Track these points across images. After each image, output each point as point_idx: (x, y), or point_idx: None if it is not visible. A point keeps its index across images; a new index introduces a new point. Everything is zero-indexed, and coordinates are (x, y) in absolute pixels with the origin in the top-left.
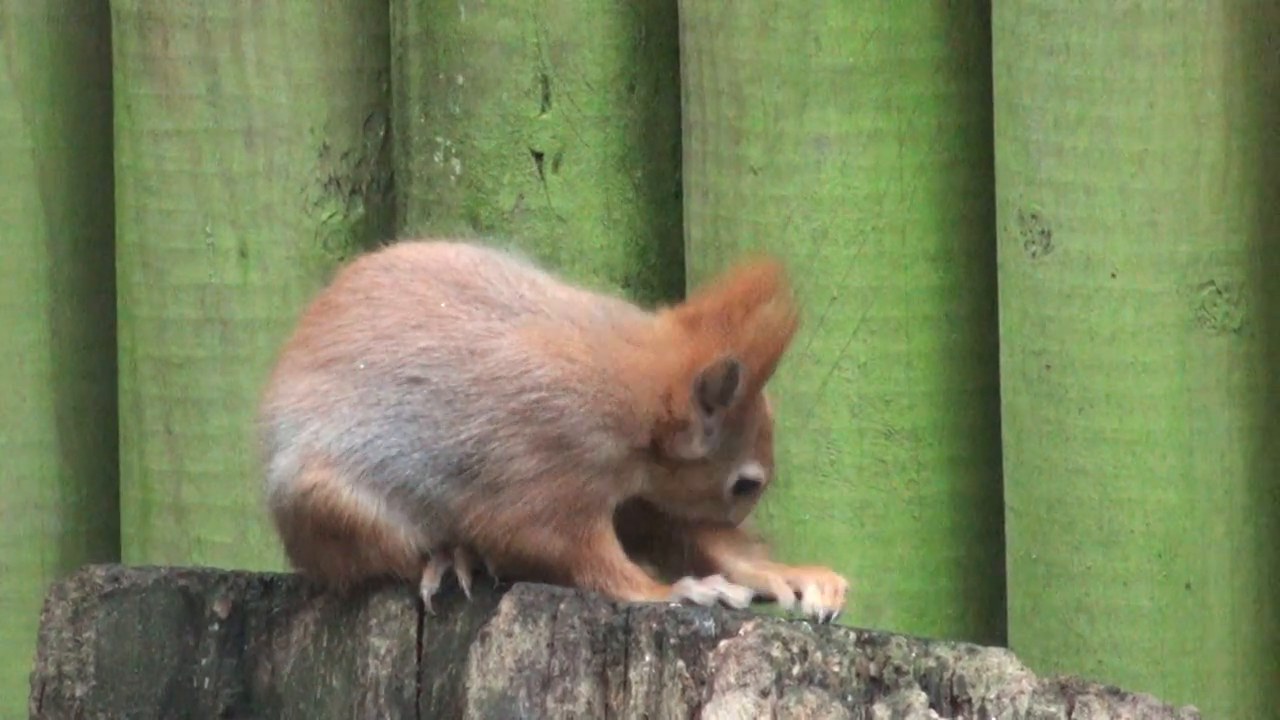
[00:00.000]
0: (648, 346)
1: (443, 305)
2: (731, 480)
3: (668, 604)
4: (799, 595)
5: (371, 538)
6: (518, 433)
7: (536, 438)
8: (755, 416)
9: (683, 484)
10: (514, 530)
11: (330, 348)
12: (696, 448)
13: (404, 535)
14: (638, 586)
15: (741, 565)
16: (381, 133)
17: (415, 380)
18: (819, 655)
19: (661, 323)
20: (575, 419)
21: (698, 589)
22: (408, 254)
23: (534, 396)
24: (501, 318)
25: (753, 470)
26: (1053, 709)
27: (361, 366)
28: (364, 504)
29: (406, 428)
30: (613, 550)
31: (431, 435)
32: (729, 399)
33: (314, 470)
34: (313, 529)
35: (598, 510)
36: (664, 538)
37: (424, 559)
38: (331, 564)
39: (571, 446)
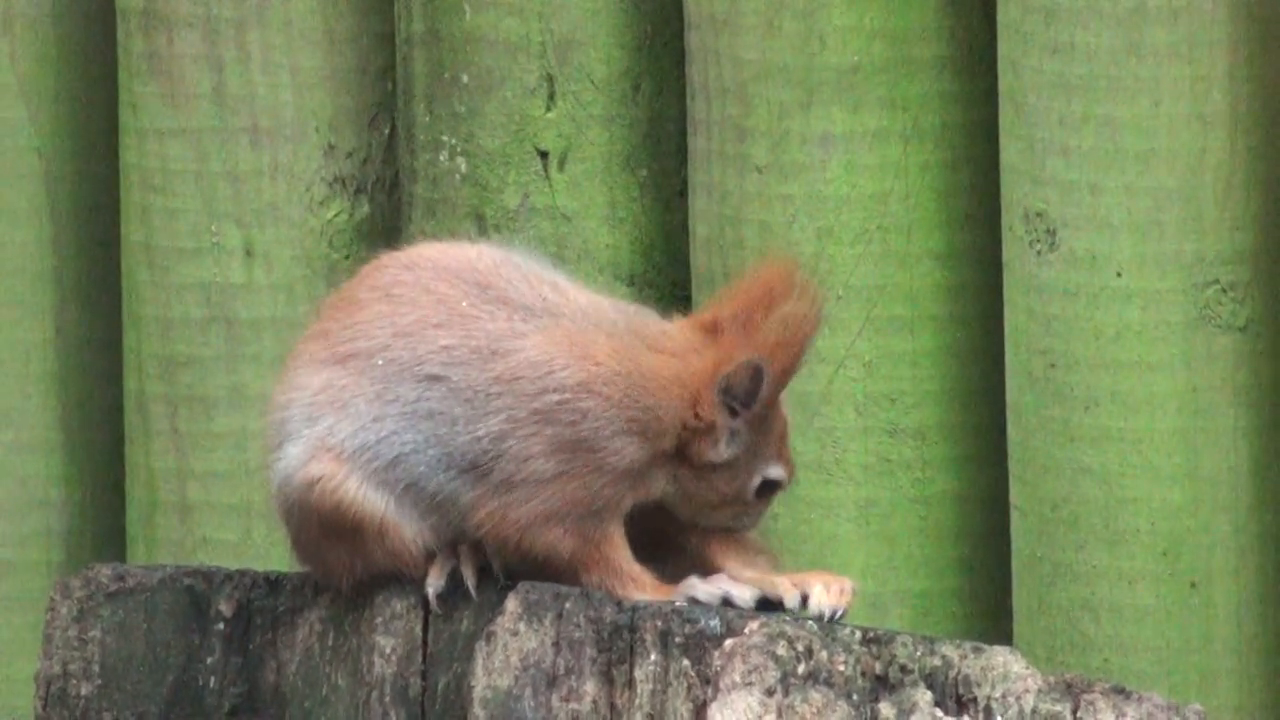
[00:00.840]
0: (670, 352)
1: (464, 305)
2: (755, 482)
3: (673, 603)
4: (805, 598)
5: (378, 534)
6: (537, 433)
7: (556, 439)
8: (776, 417)
9: (709, 487)
10: (525, 529)
11: (349, 343)
12: (723, 450)
13: (411, 533)
14: (643, 587)
15: (747, 571)
16: (386, 131)
17: (434, 378)
18: (824, 654)
19: (680, 330)
20: (599, 423)
21: (703, 587)
22: (429, 253)
23: (557, 398)
24: (524, 319)
25: (776, 471)
26: (1058, 708)
27: (380, 363)
28: (371, 499)
29: (422, 424)
30: (621, 552)
31: (448, 432)
32: (754, 400)
33: (323, 462)
34: (318, 523)
35: (611, 514)
36: (671, 545)
37: (430, 557)
38: (337, 560)
39: (594, 450)
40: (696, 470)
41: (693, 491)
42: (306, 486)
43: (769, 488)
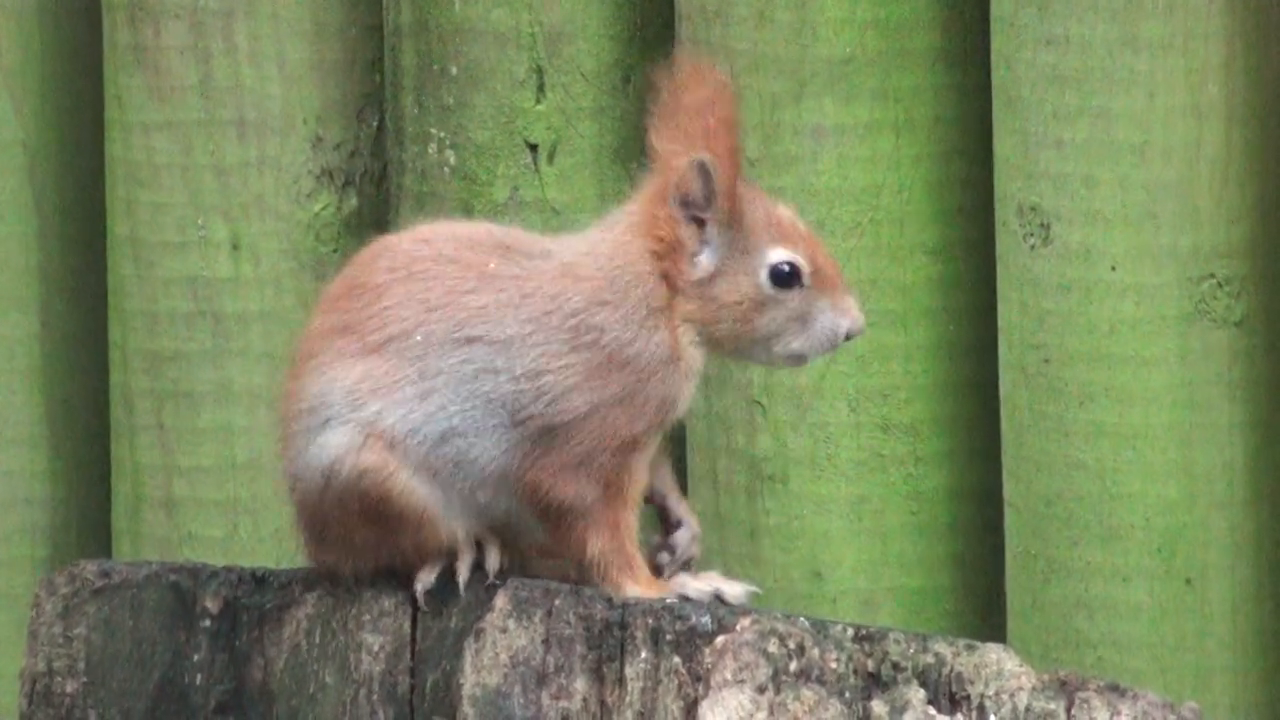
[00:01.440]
0: (620, 215)
1: (491, 265)
2: (763, 274)
3: (664, 600)
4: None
5: (415, 527)
6: (571, 363)
7: (589, 364)
8: (754, 208)
9: (722, 308)
10: (558, 473)
11: (379, 331)
12: (704, 262)
13: (445, 531)
14: (636, 578)
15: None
16: (375, 124)
17: (473, 339)
18: (816, 651)
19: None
20: (615, 331)
21: (694, 584)
22: (439, 228)
23: (574, 321)
24: (540, 264)
25: (776, 253)
26: (1052, 705)
27: (419, 339)
28: (418, 492)
29: (467, 387)
30: (631, 525)
31: (491, 385)
32: (713, 196)
33: (376, 451)
34: (359, 510)
35: (643, 447)
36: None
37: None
38: (364, 546)
39: (625, 363)
40: (702, 302)
41: (719, 328)
42: (358, 475)
43: (782, 275)
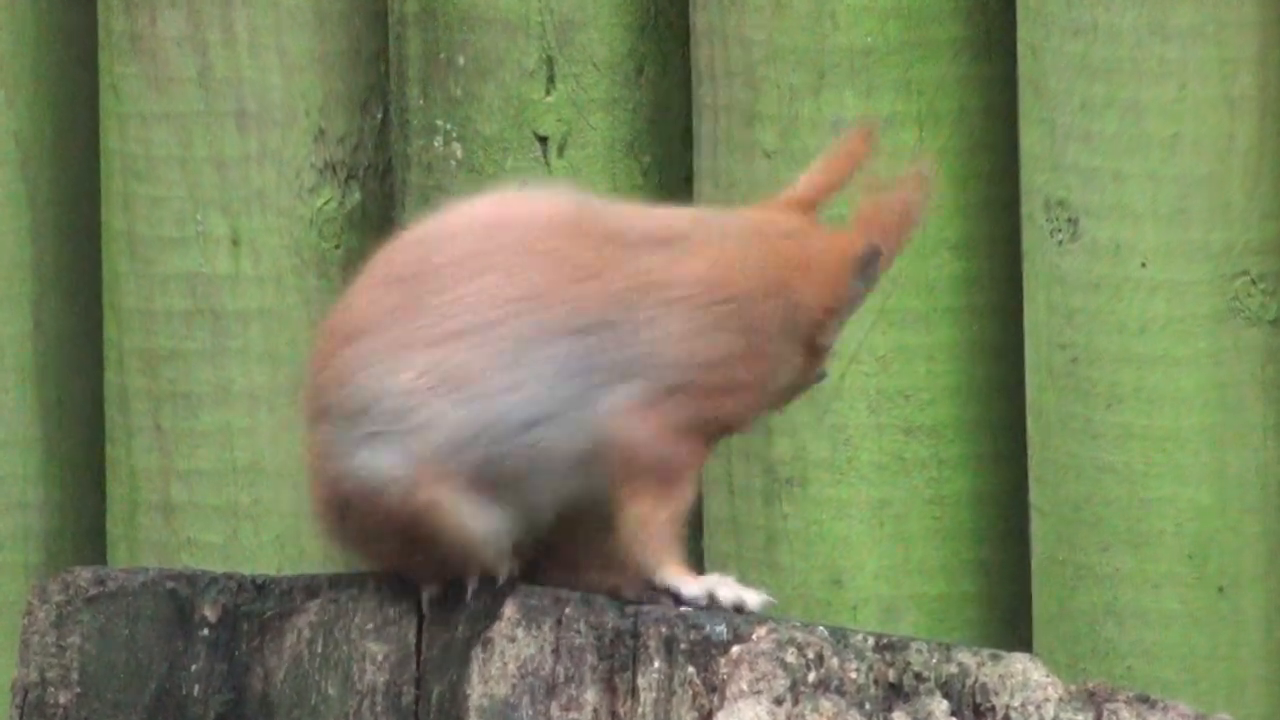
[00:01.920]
0: (795, 239)
1: (590, 255)
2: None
3: (677, 609)
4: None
5: (452, 545)
6: (717, 341)
7: (729, 346)
8: None
9: (798, 369)
10: (663, 430)
11: (454, 319)
12: (833, 332)
13: (490, 554)
14: (676, 558)
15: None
16: (379, 116)
17: (584, 329)
18: (835, 661)
19: (785, 216)
20: (767, 327)
21: (724, 589)
22: (518, 209)
23: (726, 309)
24: (663, 248)
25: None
26: (1080, 717)
27: (500, 331)
28: (473, 519)
29: (571, 381)
30: (685, 509)
31: (605, 361)
32: (874, 283)
33: (428, 488)
34: (400, 529)
35: (737, 431)
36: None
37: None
38: (388, 554)
39: (762, 355)
40: (809, 356)
41: (791, 377)
42: (407, 509)
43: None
